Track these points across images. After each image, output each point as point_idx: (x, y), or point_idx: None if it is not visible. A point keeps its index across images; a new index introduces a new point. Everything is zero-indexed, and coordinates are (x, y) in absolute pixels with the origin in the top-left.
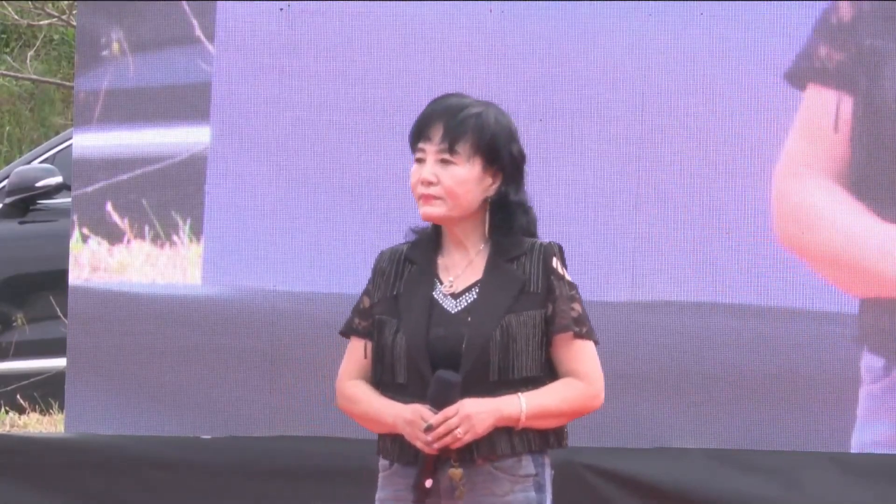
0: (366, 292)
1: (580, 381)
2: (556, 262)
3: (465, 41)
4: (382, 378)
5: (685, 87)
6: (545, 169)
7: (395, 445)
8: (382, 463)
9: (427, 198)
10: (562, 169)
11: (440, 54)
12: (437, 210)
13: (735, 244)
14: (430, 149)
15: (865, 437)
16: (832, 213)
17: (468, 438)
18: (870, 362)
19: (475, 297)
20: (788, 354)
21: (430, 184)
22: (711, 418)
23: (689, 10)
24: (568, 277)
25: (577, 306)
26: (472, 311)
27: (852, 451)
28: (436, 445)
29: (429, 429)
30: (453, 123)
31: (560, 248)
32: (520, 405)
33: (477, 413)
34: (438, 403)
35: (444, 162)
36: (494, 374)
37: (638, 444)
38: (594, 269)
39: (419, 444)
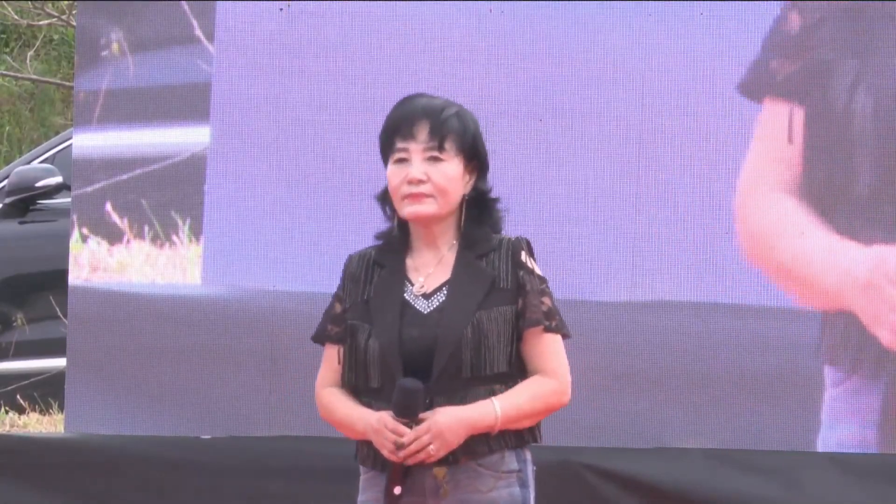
0: (336, 298)
1: (549, 378)
2: (524, 256)
3: (465, 41)
4: (357, 383)
5: (685, 86)
6: (545, 169)
7: (370, 452)
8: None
9: (417, 196)
10: (561, 168)
11: (440, 54)
12: (427, 208)
13: (734, 244)
14: (416, 147)
15: (830, 439)
16: (788, 228)
17: (442, 454)
18: (830, 372)
19: (445, 295)
20: (787, 354)
21: (420, 182)
22: (711, 418)
23: (689, 10)
24: (538, 271)
25: (546, 300)
26: (443, 309)
27: (818, 450)
28: (410, 462)
29: (401, 447)
30: (439, 121)
31: (528, 242)
32: (494, 412)
33: (449, 428)
34: (401, 411)
35: (432, 160)
36: (467, 371)
37: (636, 443)
38: (594, 269)
39: (385, 453)
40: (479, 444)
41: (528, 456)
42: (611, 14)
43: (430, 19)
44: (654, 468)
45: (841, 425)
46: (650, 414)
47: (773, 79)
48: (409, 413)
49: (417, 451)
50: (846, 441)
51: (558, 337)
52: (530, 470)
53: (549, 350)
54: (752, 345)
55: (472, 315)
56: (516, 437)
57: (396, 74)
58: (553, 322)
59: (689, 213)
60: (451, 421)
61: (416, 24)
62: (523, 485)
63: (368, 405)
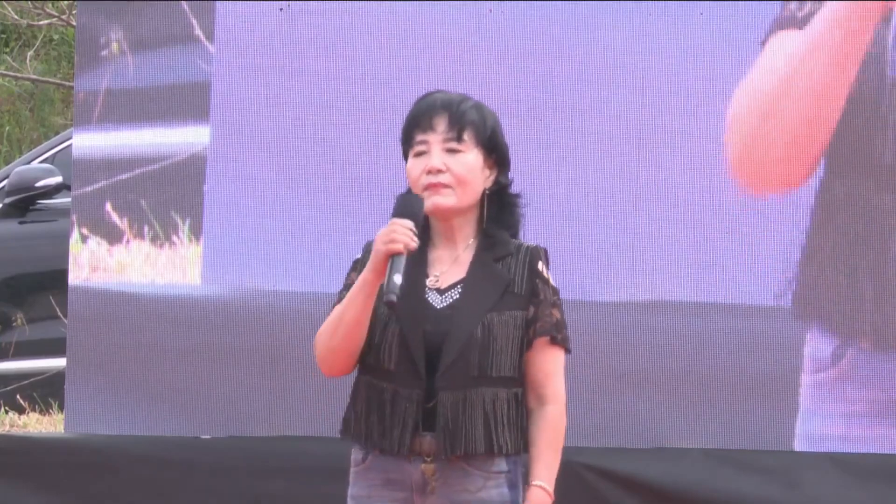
0: (353, 269)
1: (549, 406)
2: (541, 266)
3: (465, 41)
4: (367, 360)
5: (685, 85)
6: (545, 167)
7: (358, 422)
8: (355, 457)
9: (436, 186)
10: (561, 167)
11: (440, 54)
12: (447, 200)
13: (734, 243)
14: (435, 139)
15: (812, 429)
16: (777, 109)
17: None
18: (815, 350)
19: (459, 293)
20: (787, 354)
21: (439, 171)
22: (710, 418)
23: (689, 10)
24: (552, 282)
25: (556, 312)
26: (456, 307)
27: (796, 443)
28: None
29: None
30: (458, 113)
31: (545, 251)
32: (547, 493)
33: None
34: (401, 215)
35: (451, 151)
36: (474, 370)
37: (636, 443)
38: (593, 268)
39: (393, 247)
40: (475, 447)
41: (518, 460)
42: (611, 13)
43: (430, 19)
44: (654, 468)
45: (821, 415)
46: (650, 414)
47: (786, 17)
48: (411, 217)
49: None
50: (844, 438)
51: (561, 352)
52: (520, 473)
53: (553, 367)
54: (752, 345)
55: (483, 316)
56: (513, 443)
57: (396, 74)
58: (560, 335)
59: (689, 212)
60: None
61: (416, 24)
62: (512, 486)
63: (379, 385)
